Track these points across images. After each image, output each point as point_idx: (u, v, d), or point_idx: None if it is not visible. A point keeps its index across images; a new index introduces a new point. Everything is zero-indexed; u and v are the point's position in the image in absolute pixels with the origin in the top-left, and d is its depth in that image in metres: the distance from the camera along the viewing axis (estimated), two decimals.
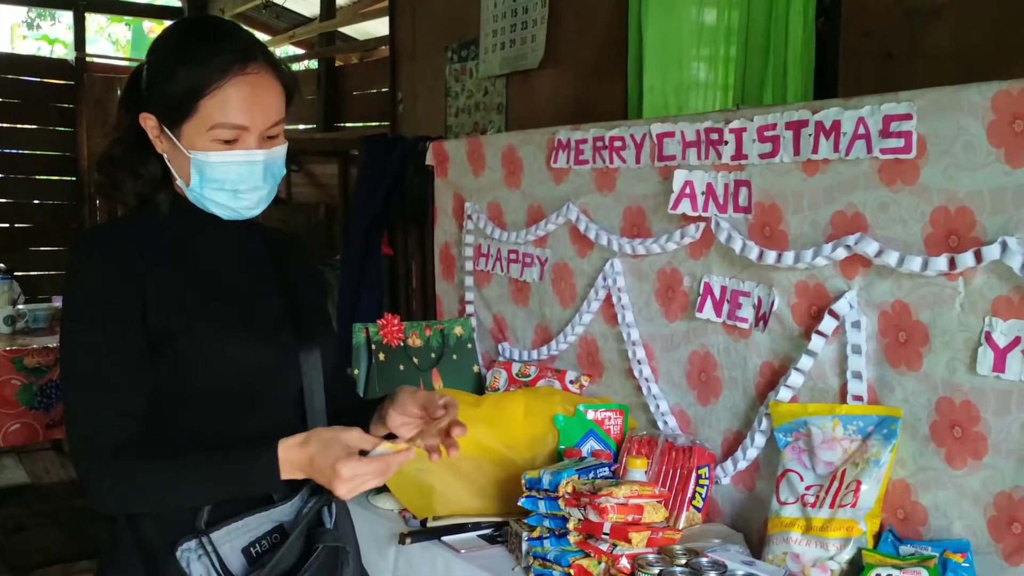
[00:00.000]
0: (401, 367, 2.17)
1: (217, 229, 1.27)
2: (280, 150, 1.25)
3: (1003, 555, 1.38)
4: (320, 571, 1.21)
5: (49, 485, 4.39)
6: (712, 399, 1.82)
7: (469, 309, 2.43)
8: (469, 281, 2.44)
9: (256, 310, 1.28)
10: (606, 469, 1.71)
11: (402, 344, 2.19)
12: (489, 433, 1.86)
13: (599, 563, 1.53)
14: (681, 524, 1.71)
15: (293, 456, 1.15)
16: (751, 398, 1.74)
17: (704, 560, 1.46)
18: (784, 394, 1.64)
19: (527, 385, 2.14)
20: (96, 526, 1.32)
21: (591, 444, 1.91)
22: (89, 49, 6.71)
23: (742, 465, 1.74)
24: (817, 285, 1.60)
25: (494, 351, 2.37)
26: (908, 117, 1.43)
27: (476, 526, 1.80)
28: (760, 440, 1.70)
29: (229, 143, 1.20)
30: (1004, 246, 1.32)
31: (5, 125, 6.10)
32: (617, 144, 1.95)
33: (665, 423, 1.90)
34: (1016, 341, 1.34)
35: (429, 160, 2.57)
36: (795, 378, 1.62)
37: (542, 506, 1.62)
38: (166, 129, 1.22)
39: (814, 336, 1.58)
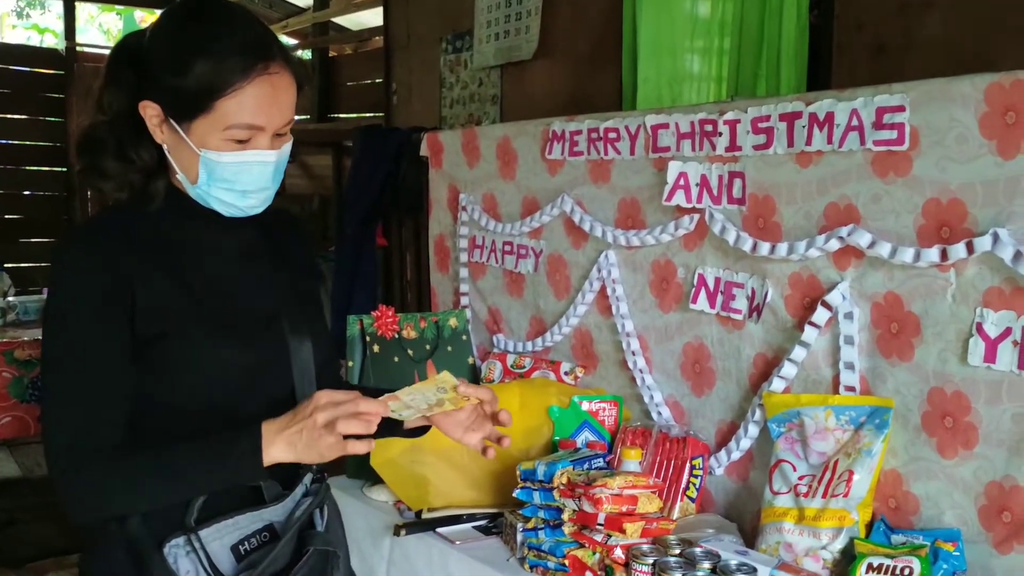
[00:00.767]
0: (396, 359, 2.17)
1: (211, 223, 1.22)
2: (287, 147, 1.21)
3: (993, 544, 1.39)
4: (310, 574, 1.20)
5: (41, 478, 4.35)
6: (706, 390, 1.83)
7: (464, 300, 2.43)
8: (464, 272, 2.43)
9: (247, 308, 1.24)
10: (601, 460, 1.72)
11: (396, 336, 2.19)
12: None
13: (594, 554, 1.54)
14: (675, 514, 1.72)
15: (273, 424, 1.11)
16: (744, 389, 1.75)
17: (698, 550, 1.46)
18: (777, 385, 1.65)
19: (522, 377, 2.14)
20: None
21: (586, 435, 1.91)
22: (79, 38, 6.66)
23: (736, 455, 1.75)
24: (810, 276, 1.61)
25: (489, 343, 2.37)
26: (901, 109, 1.44)
27: (471, 517, 1.81)
28: (753, 431, 1.71)
29: (242, 142, 1.15)
30: (996, 237, 1.33)
31: None
32: (611, 136, 1.95)
33: (659, 414, 1.91)
34: (1007, 332, 1.35)
35: (423, 151, 2.56)
36: (788, 369, 1.63)
37: (537, 497, 1.63)
38: (172, 122, 1.15)
39: (807, 327, 1.59)
